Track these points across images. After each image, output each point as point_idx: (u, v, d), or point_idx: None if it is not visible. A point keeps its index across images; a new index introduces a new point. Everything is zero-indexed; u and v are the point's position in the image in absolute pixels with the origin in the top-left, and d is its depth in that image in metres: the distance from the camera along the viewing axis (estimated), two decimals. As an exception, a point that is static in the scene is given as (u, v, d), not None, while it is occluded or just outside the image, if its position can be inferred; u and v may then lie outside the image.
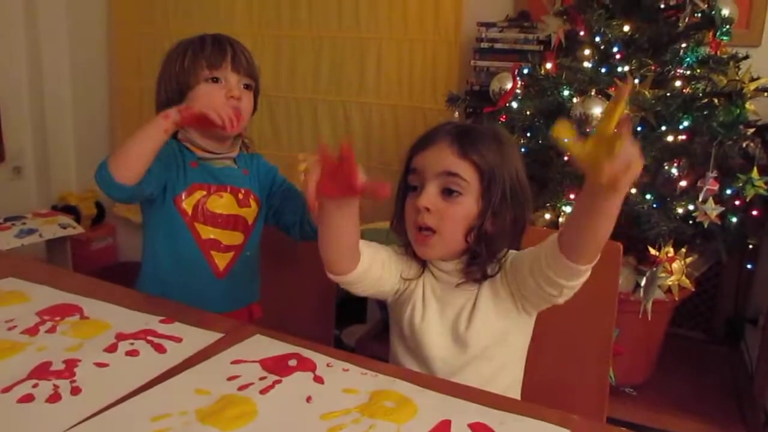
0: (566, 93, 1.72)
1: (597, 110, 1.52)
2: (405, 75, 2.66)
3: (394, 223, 1.06)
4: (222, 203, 1.23)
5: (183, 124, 1.13)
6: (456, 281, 1.02)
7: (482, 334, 1.01)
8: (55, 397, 0.77)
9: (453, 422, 0.75)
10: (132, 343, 0.92)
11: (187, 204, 1.21)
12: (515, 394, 1.08)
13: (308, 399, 0.79)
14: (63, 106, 3.37)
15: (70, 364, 0.85)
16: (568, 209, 1.57)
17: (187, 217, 1.21)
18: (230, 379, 0.83)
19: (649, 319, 1.56)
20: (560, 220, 1.58)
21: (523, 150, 1.74)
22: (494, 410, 0.78)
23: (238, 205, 1.25)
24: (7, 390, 0.78)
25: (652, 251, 1.59)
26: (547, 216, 1.62)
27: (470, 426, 0.75)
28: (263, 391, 0.81)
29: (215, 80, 1.20)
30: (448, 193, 0.97)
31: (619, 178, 0.72)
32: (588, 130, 1.57)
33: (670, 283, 1.64)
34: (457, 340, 1.02)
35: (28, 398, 0.77)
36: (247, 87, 1.24)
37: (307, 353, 0.92)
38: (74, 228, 2.77)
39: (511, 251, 1.03)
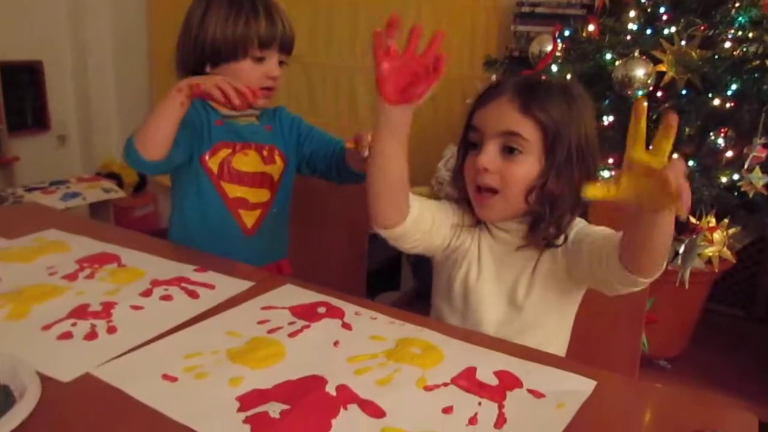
0: (608, 57, 1.67)
1: (640, 72, 1.47)
2: (443, 41, 2.62)
3: (452, 179, 1.03)
4: (247, 161, 1.23)
5: (194, 97, 1.09)
6: (516, 243, 0.98)
7: (539, 303, 0.98)
8: (92, 335, 0.80)
9: (478, 369, 0.75)
10: (166, 289, 0.95)
11: (212, 163, 1.21)
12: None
13: (336, 343, 0.80)
14: (105, 75, 3.43)
15: (107, 307, 0.88)
16: (606, 174, 1.53)
17: (213, 176, 1.21)
18: (260, 323, 0.85)
19: (686, 288, 1.52)
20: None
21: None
22: (521, 360, 0.78)
23: (264, 163, 1.24)
24: (47, 328, 0.81)
25: (693, 220, 1.55)
26: (585, 182, 1.58)
27: (495, 373, 0.74)
28: (292, 335, 0.82)
29: (261, 59, 1.18)
30: (508, 151, 0.93)
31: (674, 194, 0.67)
32: (629, 93, 1.53)
33: (710, 253, 1.60)
34: (513, 306, 0.99)
35: (67, 335, 0.79)
36: (281, 63, 1.22)
37: (336, 302, 0.93)
38: (116, 192, 2.84)
39: (577, 220, 0.98)
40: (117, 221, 3.05)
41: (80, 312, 0.86)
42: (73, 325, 0.82)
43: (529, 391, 0.72)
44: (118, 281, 0.97)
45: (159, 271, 1.01)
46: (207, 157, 1.21)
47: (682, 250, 1.53)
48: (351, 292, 1.52)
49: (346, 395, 0.68)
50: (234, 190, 1.22)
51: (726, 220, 1.61)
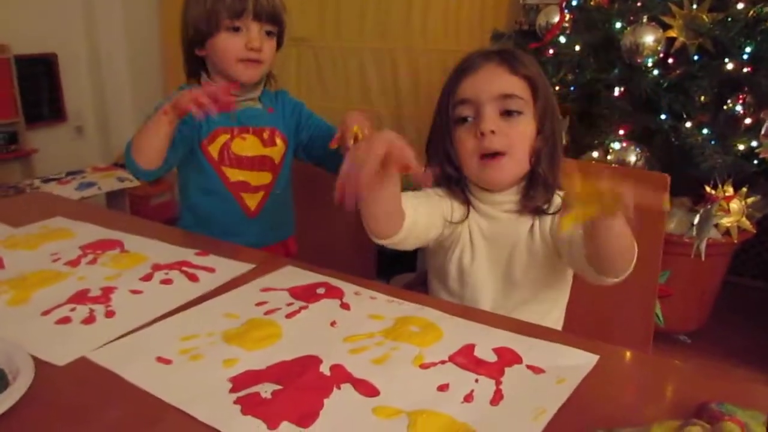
0: (618, 25, 1.62)
1: (649, 39, 1.42)
2: (452, 18, 2.59)
3: (438, 169, 0.99)
4: (246, 145, 1.22)
5: (181, 116, 1.08)
6: (509, 214, 0.97)
7: (534, 278, 0.97)
8: (90, 320, 0.80)
9: (477, 346, 0.74)
10: (167, 273, 0.95)
11: (212, 149, 1.21)
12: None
13: (333, 323, 0.79)
14: (119, 66, 3.45)
15: (107, 291, 0.88)
16: (616, 146, 1.49)
17: (214, 162, 1.21)
18: (258, 304, 0.84)
19: (703, 259, 1.48)
20: (608, 158, 1.51)
21: (571, 88, 1.67)
22: (522, 336, 0.76)
23: (263, 145, 1.24)
24: (46, 313, 0.81)
25: (708, 189, 1.51)
26: (595, 154, 1.55)
27: (495, 350, 0.73)
28: (289, 316, 0.81)
29: (236, 29, 1.17)
30: (507, 114, 0.93)
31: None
32: (639, 60, 1.48)
33: (728, 224, 1.56)
34: (508, 283, 0.99)
35: (65, 320, 0.80)
36: (268, 33, 1.20)
37: (335, 282, 0.92)
38: (131, 181, 2.86)
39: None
40: (133, 210, 3.07)
41: (80, 297, 0.86)
42: (72, 310, 0.82)
43: (529, 367, 0.70)
44: (119, 266, 0.97)
45: (161, 256, 1.01)
46: (207, 144, 1.21)
47: (696, 220, 1.49)
48: (360, 274, 1.52)
49: (340, 375, 0.67)
50: (235, 174, 1.22)
51: (744, 189, 1.57)
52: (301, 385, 0.65)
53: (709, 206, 1.48)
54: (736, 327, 1.92)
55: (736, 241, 1.61)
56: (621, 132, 1.51)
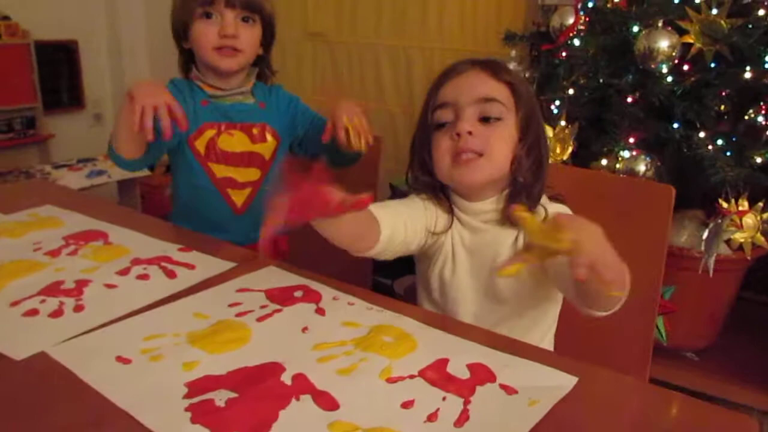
0: (635, 29, 1.56)
1: (664, 43, 1.37)
2: (468, 17, 2.54)
3: (414, 176, 0.97)
4: (234, 141, 1.20)
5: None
6: (490, 225, 0.94)
7: (518, 293, 0.93)
8: (58, 313, 0.78)
9: (451, 361, 0.70)
10: (145, 268, 0.93)
11: (199, 144, 1.18)
12: (547, 347, 1.01)
13: (304, 329, 0.76)
14: (139, 54, 3.46)
15: (81, 284, 0.86)
16: (626, 154, 1.44)
17: (201, 157, 1.19)
18: (231, 305, 0.82)
19: (710, 275, 1.42)
20: (618, 166, 1.46)
21: (586, 93, 1.61)
22: (499, 352, 0.73)
23: (252, 141, 1.21)
24: (15, 304, 0.80)
25: (723, 203, 1.45)
26: (605, 162, 1.49)
27: (469, 366, 0.69)
28: (260, 319, 0.78)
29: (208, 16, 1.14)
30: (486, 120, 0.90)
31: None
32: (653, 66, 1.42)
33: (741, 239, 1.50)
34: (490, 298, 0.95)
35: (33, 312, 0.78)
36: (246, 20, 1.17)
37: (315, 285, 0.89)
38: (142, 171, 2.86)
39: (555, 206, 0.94)
40: (148, 199, 3.08)
41: (52, 289, 0.84)
42: (42, 302, 0.81)
43: (502, 386, 0.66)
44: (99, 258, 0.96)
45: (143, 250, 0.99)
46: (193, 139, 1.18)
47: (705, 235, 1.43)
48: (358, 276, 1.50)
49: (301, 385, 0.64)
50: (221, 170, 1.20)
51: (760, 204, 1.50)
52: (259, 393, 0.63)
53: (719, 220, 1.42)
54: (748, 345, 1.85)
55: (749, 258, 1.55)
56: (631, 140, 1.45)
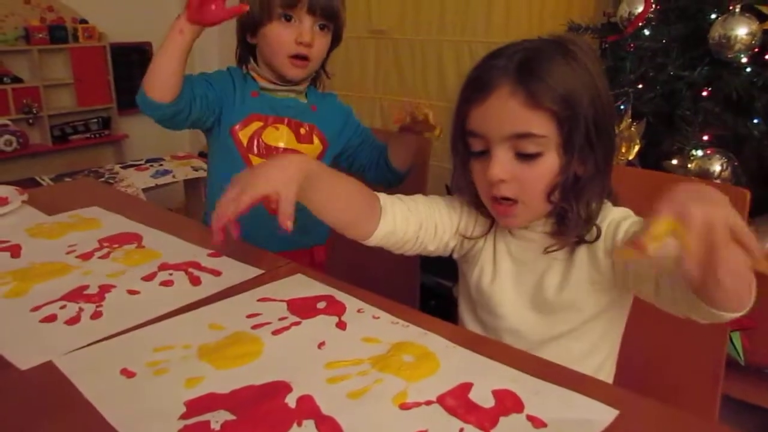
0: (713, 16, 1.42)
1: (741, 31, 1.23)
2: (536, 10, 2.43)
3: (455, 184, 0.88)
4: (279, 135, 1.17)
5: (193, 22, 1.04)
6: (540, 240, 0.84)
7: (573, 310, 0.83)
8: (74, 320, 0.76)
9: (475, 385, 0.63)
10: (171, 274, 0.90)
11: (243, 135, 1.16)
12: (607, 375, 0.90)
13: (320, 345, 0.71)
14: (210, 56, 3.52)
15: (104, 290, 0.84)
16: (699, 153, 1.31)
17: (242, 148, 1.16)
18: (249, 316, 0.78)
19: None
20: (690, 166, 1.33)
21: (657, 86, 1.48)
22: (530, 377, 0.65)
23: (298, 141, 1.18)
24: (36, 309, 0.79)
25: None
26: (675, 162, 1.36)
27: (494, 392, 0.62)
28: (276, 332, 0.74)
29: (288, 18, 1.12)
30: (522, 157, 0.77)
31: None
32: (729, 56, 1.28)
33: (833, 248, 1.33)
34: (538, 312, 0.86)
35: (51, 318, 0.77)
36: (322, 27, 1.15)
37: (340, 296, 0.84)
38: (205, 171, 2.91)
39: (615, 211, 0.82)
40: (207, 198, 3.12)
41: (74, 294, 0.83)
42: (62, 307, 0.79)
43: (529, 417, 0.59)
44: (129, 263, 0.94)
45: (174, 254, 0.97)
46: (238, 129, 1.16)
47: (789, 243, 1.28)
48: (404, 278, 1.44)
49: (306, 408, 0.59)
50: None
51: None
52: (259, 416, 0.58)
53: (806, 227, 1.27)
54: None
55: None
56: (705, 138, 1.32)
